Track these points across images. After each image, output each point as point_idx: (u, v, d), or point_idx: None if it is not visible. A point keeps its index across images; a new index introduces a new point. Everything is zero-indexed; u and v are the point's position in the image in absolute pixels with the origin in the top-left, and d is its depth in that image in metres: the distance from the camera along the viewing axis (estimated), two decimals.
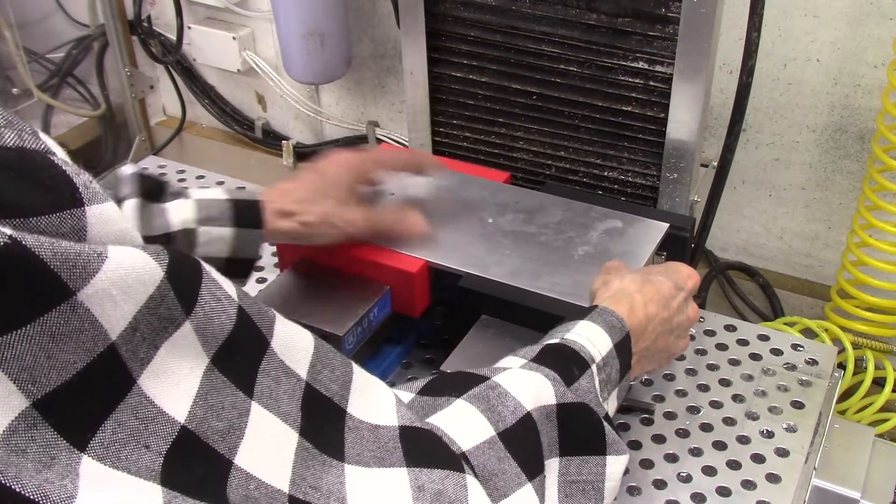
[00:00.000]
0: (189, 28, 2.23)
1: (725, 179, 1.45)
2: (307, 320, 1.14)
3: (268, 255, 1.52)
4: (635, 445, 1.14)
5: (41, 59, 2.49)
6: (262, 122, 2.33)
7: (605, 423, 0.76)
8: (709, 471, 1.11)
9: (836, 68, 1.62)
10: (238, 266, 1.05)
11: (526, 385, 0.72)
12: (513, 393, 0.70)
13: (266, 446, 0.53)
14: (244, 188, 1.11)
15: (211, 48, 2.24)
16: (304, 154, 2.28)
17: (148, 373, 0.48)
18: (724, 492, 1.08)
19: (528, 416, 0.68)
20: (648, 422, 1.18)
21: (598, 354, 0.84)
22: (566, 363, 0.79)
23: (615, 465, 0.76)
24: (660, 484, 1.09)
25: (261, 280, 1.46)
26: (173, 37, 2.23)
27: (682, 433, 1.16)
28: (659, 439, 1.15)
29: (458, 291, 1.15)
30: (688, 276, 1.04)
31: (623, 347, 0.87)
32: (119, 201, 0.97)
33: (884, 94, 1.47)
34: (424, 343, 1.31)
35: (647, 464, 1.12)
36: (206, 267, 0.55)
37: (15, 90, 2.40)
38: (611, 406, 0.83)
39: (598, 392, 0.79)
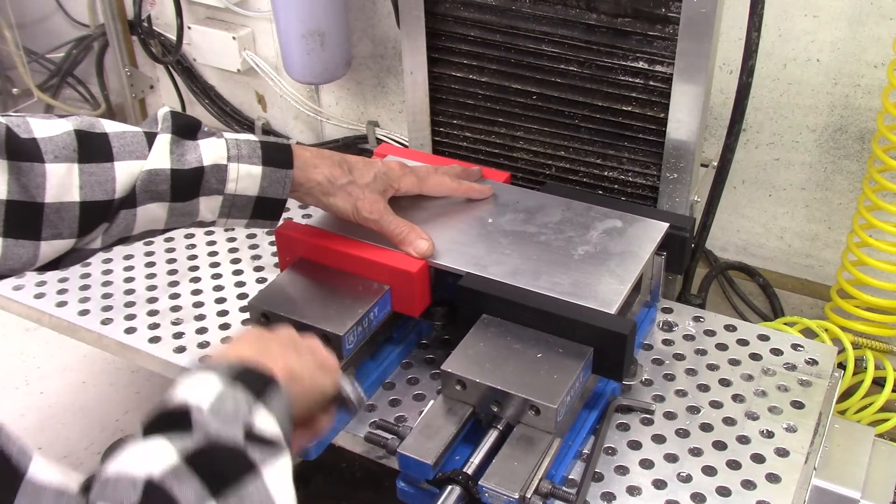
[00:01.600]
0: (189, 28, 2.22)
1: (725, 179, 1.45)
2: (307, 320, 1.14)
3: (268, 255, 1.52)
4: (635, 445, 1.14)
5: (41, 59, 2.49)
6: (262, 122, 2.33)
7: (245, 441, 0.69)
8: (709, 471, 1.11)
9: (836, 68, 1.61)
10: (267, 206, 1.07)
11: (138, 456, 0.66)
12: (126, 471, 0.63)
13: None
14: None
15: (211, 48, 2.24)
16: None
17: None
18: (724, 492, 1.08)
19: (149, 483, 0.62)
20: (648, 422, 1.18)
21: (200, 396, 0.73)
22: (168, 419, 0.71)
23: (275, 470, 0.69)
24: (660, 484, 1.09)
25: (261, 280, 1.46)
26: (173, 37, 2.23)
27: (682, 433, 1.16)
28: (659, 439, 1.15)
29: (459, 291, 1.16)
30: None
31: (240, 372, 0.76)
32: (154, 134, 0.99)
33: (884, 94, 1.47)
34: (424, 343, 1.31)
35: (647, 464, 1.12)
36: None
37: (15, 90, 2.40)
38: (264, 421, 0.73)
39: (221, 425, 0.69)
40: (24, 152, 0.89)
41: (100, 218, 0.96)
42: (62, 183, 0.91)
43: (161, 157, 0.98)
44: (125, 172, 0.96)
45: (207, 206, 1.04)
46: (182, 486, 0.63)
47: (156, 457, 0.64)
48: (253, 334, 0.87)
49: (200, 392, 0.72)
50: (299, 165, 1.09)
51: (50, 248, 0.93)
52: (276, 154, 1.07)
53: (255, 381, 0.74)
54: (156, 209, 1.00)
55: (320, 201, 1.14)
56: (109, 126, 0.98)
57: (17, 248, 0.90)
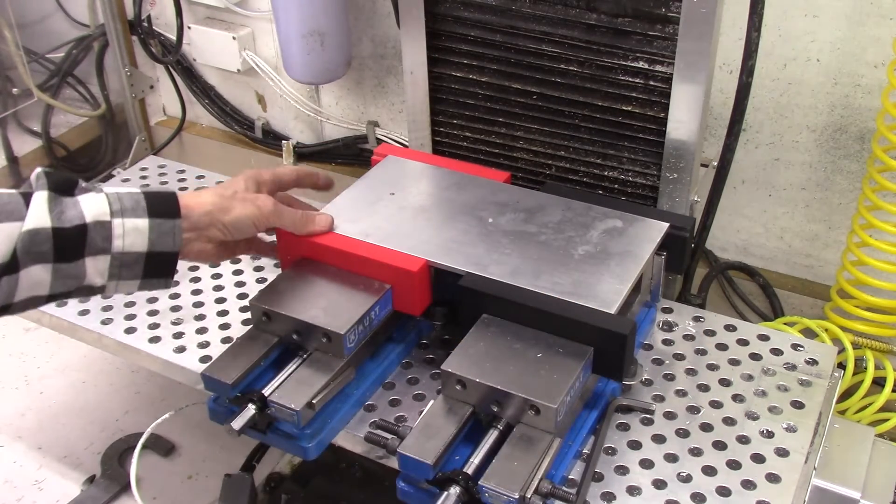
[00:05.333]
0: (189, 28, 2.22)
1: (725, 179, 1.45)
2: (308, 319, 1.14)
3: None
4: (635, 445, 1.14)
5: (41, 59, 2.49)
6: (262, 122, 2.33)
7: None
8: (709, 471, 1.11)
9: (836, 68, 1.61)
10: (159, 262, 1.03)
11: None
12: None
13: None
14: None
15: (211, 48, 2.24)
16: (304, 154, 2.28)
17: None
18: (724, 492, 1.08)
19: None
20: (648, 422, 1.18)
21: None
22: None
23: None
24: (660, 484, 1.09)
25: (261, 280, 1.46)
26: (173, 37, 2.22)
27: (682, 433, 1.16)
28: (659, 439, 1.15)
29: (459, 291, 1.16)
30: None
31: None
32: (30, 193, 0.96)
33: (884, 94, 1.47)
34: (424, 343, 1.31)
35: (647, 464, 1.12)
36: None
37: (15, 90, 2.39)
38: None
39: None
40: None
41: None
42: None
43: (40, 215, 0.94)
44: (3, 235, 0.92)
45: (95, 267, 0.99)
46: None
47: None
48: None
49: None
50: (185, 206, 1.05)
51: None
52: (161, 204, 1.03)
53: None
54: (39, 272, 0.96)
55: (222, 223, 1.10)
56: None
57: None
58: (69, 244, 0.96)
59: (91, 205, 0.98)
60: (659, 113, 1.36)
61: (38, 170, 0.99)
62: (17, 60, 2.32)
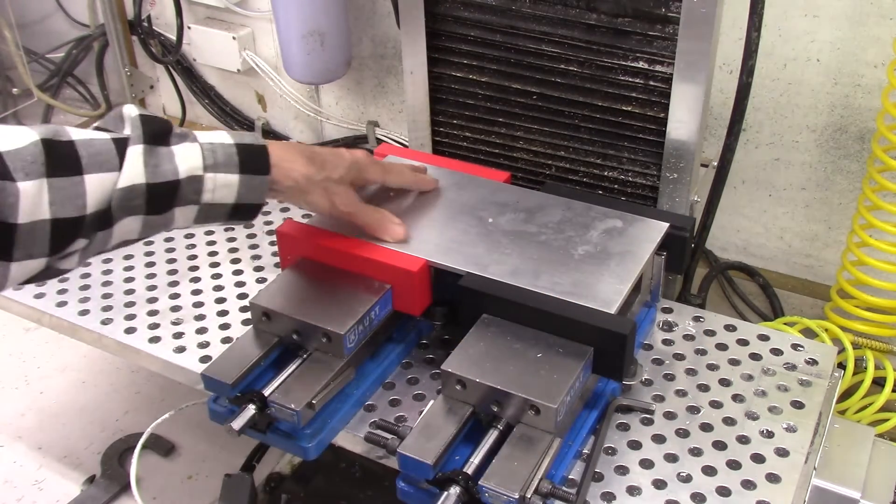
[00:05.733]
0: (189, 28, 2.23)
1: (725, 179, 1.45)
2: (308, 319, 1.14)
3: (268, 254, 1.52)
4: (635, 445, 1.14)
5: (41, 59, 2.49)
6: (262, 122, 2.33)
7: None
8: (709, 471, 1.11)
9: (836, 68, 1.62)
10: (243, 211, 1.05)
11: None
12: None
13: None
14: (250, 131, 1.12)
15: (211, 48, 2.24)
16: None
17: None
18: (724, 492, 1.08)
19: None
20: (648, 422, 1.18)
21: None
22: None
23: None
24: (660, 484, 1.09)
25: (261, 280, 1.46)
26: (173, 37, 2.23)
27: (682, 433, 1.16)
28: (659, 439, 1.15)
29: (459, 291, 1.16)
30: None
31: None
32: (124, 141, 0.94)
33: (884, 94, 1.47)
34: (424, 343, 1.31)
35: (647, 464, 1.12)
36: None
37: (15, 90, 2.40)
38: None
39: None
40: None
41: (71, 234, 0.91)
42: (34, 201, 0.86)
43: (135, 171, 0.94)
44: (96, 186, 0.91)
45: (183, 215, 1.01)
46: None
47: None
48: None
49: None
50: (275, 168, 1.07)
51: (21, 269, 0.89)
52: (253, 160, 1.04)
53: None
54: (131, 223, 0.96)
55: (295, 199, 1.14)
56: (75, 133, 0.92)
57: None
58: (162, 198, 0.97)
59: (185, 158, 0.98)
60: (659, 113, 1.36)
61: (135, 113, 0.97)
62: (17, 60, 2.33)
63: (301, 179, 1.10)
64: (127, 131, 0.96)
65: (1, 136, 0.87)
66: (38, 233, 0.87)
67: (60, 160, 0.89)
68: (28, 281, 0.92)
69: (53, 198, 0.87)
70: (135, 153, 0.94)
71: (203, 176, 0.99)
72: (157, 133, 0.97)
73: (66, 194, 0.88)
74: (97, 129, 0.97)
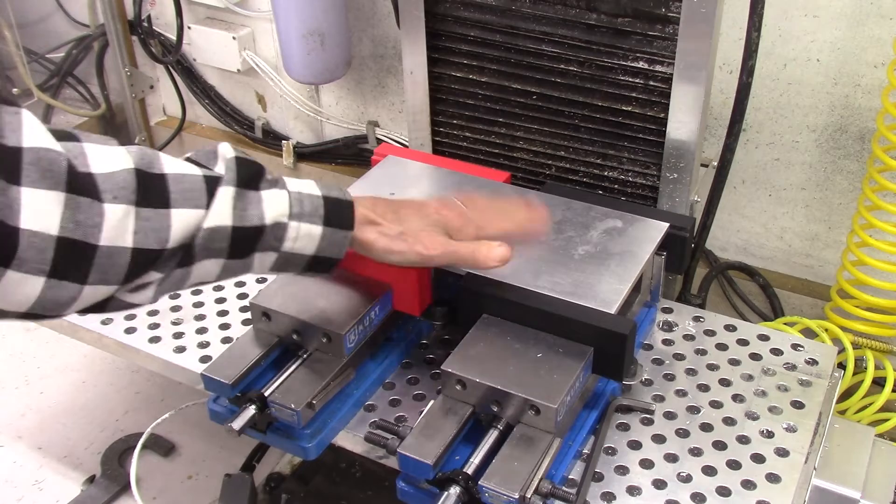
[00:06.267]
0: (189, 28, 2.23)
1: (725, 179, 1.45)
2: (308, 319, 1.14)
3: None
4: (635, 445, 1.14)
5: (41, 59, 2.49)
6: (262, 122, 2.33)
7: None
8: (709, 471, 1.11)
9: (836, 68, 1.62)
10: (321, 264, 1.03)
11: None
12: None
13: None
14: (336, 184, 1.07)
15: (211, 48, 2.24)
16: (304, 154, 2.28)
17: None
18: (724, 492, 1.08)
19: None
20: (648, 422, 1.18)
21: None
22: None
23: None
24: (660, 484, 1.09)
25: (261, 280, 1.46)
26: (173, 37, 2.23)
27: (682, 433, 1.16)
28: (659, 439, 1.15)
29: (459, 291, 1.16)
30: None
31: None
32: (215, 180, 0.93)
33: (884, 94, 1.47)
34: (424, 343, 1.31)
35: (647, 464, 1.12)
36: None
37: (15, 90, 2.40)
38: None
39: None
40: (82, 187, 0.83)
41: (148, 265, 0.89)
42: (118, 226, 0.85)
43: (223, 213, 0.92)
44: (181, 221, 0.90)
45: (262, 261, 0.99)
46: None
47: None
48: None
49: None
50: (357, 224, 1.03)
51: (93, 292, 0.87)
52: (338, 214, 1.01)
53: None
54: (210, 265, 0.95)
55: (377, 258, 1.07)
56: (168, 165, 0.91)
57: (58, 290, 0.83)
58: (245, 242, 0.95)
59: (273, 204, 0.96)
60: (659, 113, 1.36)
61: (231, 154, 0.96)
62: (17, 60, 2.32)
63: (377, 238, 1.05)
64: (220, 170, 0.94)
65: (96, 157, 0.85)
66: (116, 259, 0.86)
67: (151, 191, 0.88)
68: (93, 309, 0.90)
69: (138, 227, 0.86)
70: (225, 194, 0.92)
71: (287, 224, 0.97)
72: (250, 177, 0.96)
73: (150, 225, 0.87)
74: (188, 159, 0.96)
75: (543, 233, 1.22)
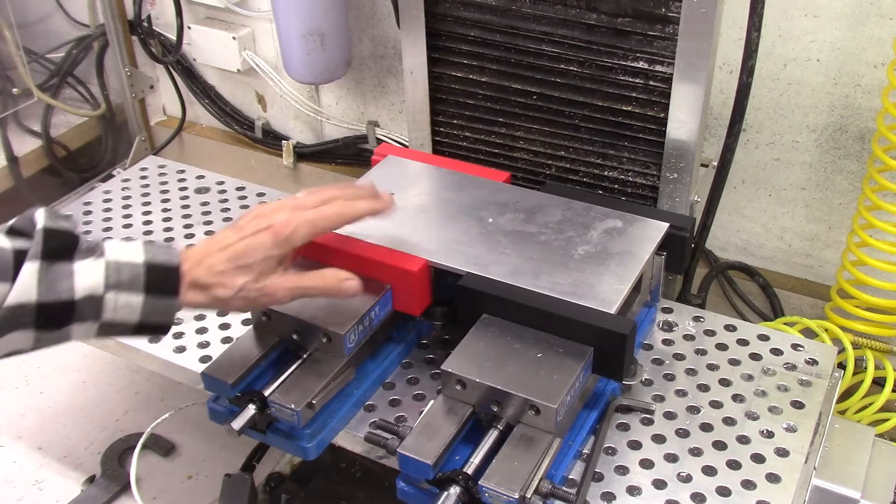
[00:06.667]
0: (189, 28, 2.22)
1: (725, 179, 1.45)
2: (308, 319, 1.14)
3: None
4: (635, 445, 1.14)
5: (41, 59, 2.49)
6: (262, 122, 2.33)
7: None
8: (709, 471, 1.11)
9: (836, 68, 1.61)
10: (151, 329, 0.99)
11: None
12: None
13: None
14: (165, 244, 1.03)
15: (211, 48, 2.24)
16: (304, 154, 2.28)
17: None
18: (724, 492, 1.08)
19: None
20: (648, 422, 1.18)
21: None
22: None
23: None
24: (660, 484, 1.09)
25: None
26: (173, 37, 2.22)
27: (682, 433, 1.16)
28: (659, 439, 1.15)
29: (459, 291, 1.16)
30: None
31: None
32: (21, 254, 0.90)
33: (884, 94, 1.47)
34: (424, 343, 1.31)
35: (647, 464, 1.12)
36: None
37: (15, 90, 2.39)
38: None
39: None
40: None
41: None
42: None
43: (27, 289, 0.89)
44: None
45: (81, 330, 0.95)
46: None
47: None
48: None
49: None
50: (185, 289, 0.99)
51: None
52: (161, 280, 0.96)
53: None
54: (20, 336, 0.93)
55: (220, 309, 1.07)
56: None
57: None
58: (54, 317, 0.92)
59: (86, 277, 0.93)
60: (659, 113, 1.36)
61: (41, 224, 0.92)
62: (17, 60, 2.32)
63: (216, 302, 1.02)
64: (29, 243, 0.92)
65: None
66: None
67: None
68: None
69: None
70: (30, 271, 0.90)
71: (103, 297, 0.94)
72: (59, 248, 0.92)
73: None
74: (10, 228, 0.93)
75: (385, 205, 1.14)
